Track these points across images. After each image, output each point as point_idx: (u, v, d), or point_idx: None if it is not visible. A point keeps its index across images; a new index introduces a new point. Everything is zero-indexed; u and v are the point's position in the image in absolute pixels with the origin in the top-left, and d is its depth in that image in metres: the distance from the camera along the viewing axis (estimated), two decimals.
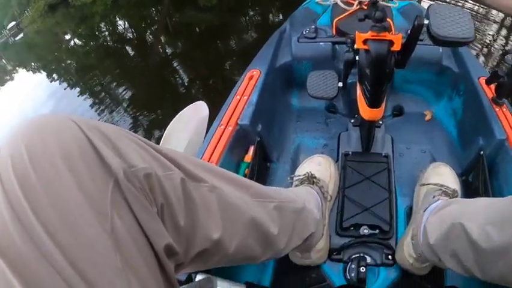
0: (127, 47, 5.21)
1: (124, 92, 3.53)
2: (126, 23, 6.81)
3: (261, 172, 1.10)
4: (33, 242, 0.30)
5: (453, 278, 0.85)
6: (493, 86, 1.01)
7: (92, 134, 0.36)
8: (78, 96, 3.88)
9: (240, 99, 1.09)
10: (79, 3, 9.64)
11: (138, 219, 0.36)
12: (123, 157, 0.37)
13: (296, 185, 0.94)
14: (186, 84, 3.51)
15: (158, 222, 0.39)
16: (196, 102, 1.19)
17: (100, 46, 5.84)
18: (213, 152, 0.97)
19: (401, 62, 0.83)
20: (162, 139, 1.16)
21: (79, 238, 0.31)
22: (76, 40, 6.96)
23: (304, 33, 1.13)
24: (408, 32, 0.78)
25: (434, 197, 0.85)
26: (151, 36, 5.32)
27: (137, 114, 3.05)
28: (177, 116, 1.14)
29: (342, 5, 1.22)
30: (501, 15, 3.06)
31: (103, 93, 3.75)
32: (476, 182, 0.98)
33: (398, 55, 0.81)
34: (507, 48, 2.60)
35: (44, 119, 0.36)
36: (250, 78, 1.16)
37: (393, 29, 1.00)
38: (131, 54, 4.87)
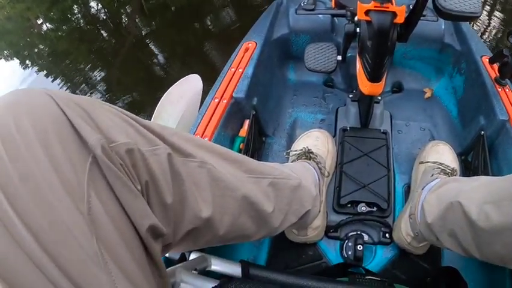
0: (101, 30, 5.12)
1: (100, 76, 3.50)
2: (99, 4, 6.69)
3: (257, 147, 1.11)
4: (4, 226, 0.29)
5: (450, 258, 0.89)
6: (496, 66, 1.03)
7: (69, 109, 0.34)
8: (53, 82, 3.80)
9: (235, 72, 1.09)
10: None
11: (119, 198, 0.35)
12: (103, 132, 0.35)
13: (293, 160, 0.95)
14: (163, 64, 3.52)
15: (142, 202, 0.38)
16: (189, 75, 1.18)
17: (73, 30, 5.72)
18: (206, 126, 0.97)
19: (404, 35, 0.84)
20: (154, 114, 1.15)
21: (52, 222, 0.30)
22: (48, 24, 6.78)
23: (302, 4, 1.13)
24: (412, 4, 0.78)
25: (432, 175, 0.87)
26: (125, 18, 5.24)
27: (115, 97, 3.04)
28: (169, 89, 1.13)
29: None
30: None
31: (79, 78, 3.70)
32: (475, 161, 1.01)
33: (401, 28, 0.82)
34: None
35: (17, 94, 0.34)
36: (246, 50, 1.16)
37: (394, 1, 1.02)
38: (106, 37, 4.80)
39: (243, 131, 1.06)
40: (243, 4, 4.19)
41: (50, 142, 0.32)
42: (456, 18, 0.77)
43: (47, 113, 0.33)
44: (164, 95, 1.13)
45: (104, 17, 5.77)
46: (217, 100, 1.03)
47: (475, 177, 0.72)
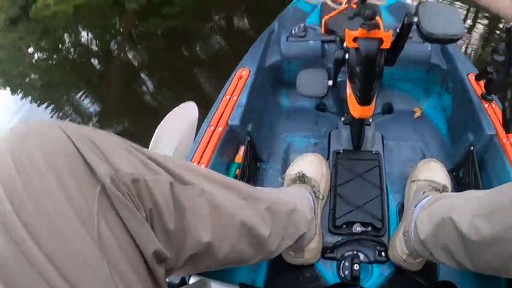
0: (91, 59, 5.21)
1: (92, 105, 3.54)
2: (89, 34, 6.81)
3: (252, 172, 1.14)
4: (22, 252, 0.32)
5: (446, 272, 0.91)
6: (482, 83, 1.08)
7: (79, 142, 0.38)
8: (44, 111, 3.84)
9: (229, 99, 1.14)
10: (40, 16, 9.57)
11: (126, 225, 0.38)
12: (110, 163, 0.38)
13: (288, 185, 0.98)
14: (154, 92, 3.57)
15: (147, 228, 0.41)
16: (185, 103, 1.23)
17: (64, 59, 5.81)
18: (203, 153, 1.01)
19: (391, 59, 0.89)
20: (151, 142, 1.19)
21: (66, 248, 0.33)
22: (39, 54, 6.89)
23: (293, 32, 1.18)
24: (398, 29, 0.83)
25: (424, 192, 0.91)
26: (115, 47, 5.34)
27: (107, 126, 3.07)
28: (166, 117, 1.18)
29: (331, 4, 1.30)
30: (491, 12, 3.26)
31: (70, 107, 3.73)
32: (466, 177, 1.05)
33: (388, 53, 0.87)
34: (496, 44, 2.74)
35: (29, 126, 0.38)
36: (240, 77, 1.21)
37: (382, 27, 1.08)
38: (97, 66, 4.87)
39: (239, 157, 1.10)
40: (231, 30, 4.31)
41: (62, 174, 0.35)
42: (440, 41, 0.81)
43: (58, 146, 0.37)
44: (161, 122, 1.17)
45: (95, 46, 5.88)
46: (212, 127, 1.07)
47: (465, 192, 0.75)
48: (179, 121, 1.16)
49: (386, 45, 0.83)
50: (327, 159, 1.13)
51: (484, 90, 1.07)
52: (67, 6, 8.97)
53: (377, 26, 0.83)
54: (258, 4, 4.72)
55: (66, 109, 3.71)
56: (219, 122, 1.09)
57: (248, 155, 1.11)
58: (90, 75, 4.58)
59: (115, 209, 0.38)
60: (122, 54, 4.91)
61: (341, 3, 1.27)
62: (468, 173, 1.04)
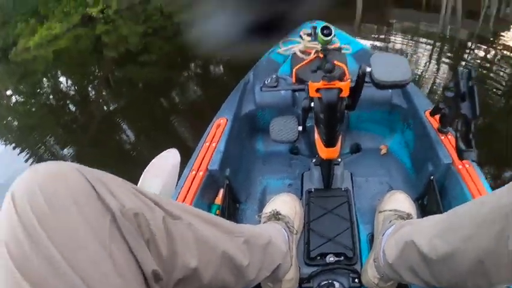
0: (69, 105, 5.26)
1: (69, 151, 3.54)
2: (68, 80, 6.91)
3: (231, 213, 1.23)
4: (51, 264, 0.41)
5: None
6: (438, 117, 1.20)
7: (94, 181, 0.48)
8: (19, 155, 3.83)
9: (209, 146, 1.25)
10: (19, 59, 9.69)
11: (131, 248, 0.48)
12: (117, 199, 0.49)
13: (264, 222, 1.08)
14: (131, 139, 3.60)
15: (147, 251, 0.50)
16: (168, 150, 1.33)
17: (43, 104, 5.86)
18: (186, 195, 1.10)
19: (351, 105, 1.01)
20: (138, 184, 1.28)
21: (87, 261, 0.43)
22: (17, 97, 6.93)
23: (266, 82, 1.30)
24: (354, 79, 0.96)
25: (390, 221, 1.01)
26: (93, 93, 5.42)
27: None
28: (151, 162, 1.27)
29: (301, 55, 1.44)
30: (443, 56, 3.58)
31: (47, 152, 3.72)
32: (430, 204, 1.16)
33: (348, 99, 0.99)
34: (447, 83, 3.00)
35: (55, 166, 0.48)
36: (218, 126, 1.33)
37: (347, 73, 1.20)
38: (75, 112, 4.91)
39: (218, 199, 1.19)
40: (207, 78, 4.46)
41: (81, 205, 0.46)
42: (391, 87, 0.93)
43: (78, 184, 0.47)
44: (147, 167, 1.26)
45: (73, 92, 5.96)
46: (194, 172, 1.17)
47: (425, 217, 0.84)
48: (163, 166, 1.26)
49: (345, 93, 0.96)
50: (301, 198, 1.23)
51: (440, 124, 1.19)
52: (47, 51, 9.16)
53: (336, 77, 0.95)
54: (236, 54, 4.95)
55: (41, 153, 3.71)
56: (199, 167, 1.19)
57: (227, 197, 1.20)
58: (67, 120, 4.62)
59: (122, 235, 0.48)
60: (100, 101, 5.00)
61: (309, 54, 1.41)
62: (431, 201, 1.15)
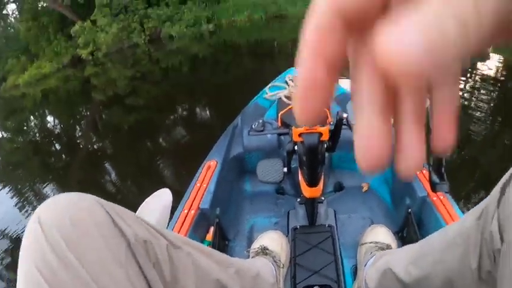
0: (56, 145, 5.29)
1: (52, 191, 3.57)
2: (56, 119, 6.98)
3: (221, 249, 1.30)
4: (81, 283, 0.48)
5: None
6: None
7: (111, 211, 0.56)
8: (0, 190, 3.84)
9: (200, 187, 1.34)
10: (8, 95, 9.77)
11: (142, 269, 0.56)
12: (131, 228, 0.57)
13: (252, 257, 1.15)
14: (117, 182, 3.65)
15: (154, 273, 0.58)
16: (160, 190, 1.41)
17: (29, 141, 5.89)
18: (179, 233, 1.17)
19: (331, 147, 1.12)
20: None
21: (110, 279, 0.51)
22: (4, 133, 6.95)
23: (253, 127, 1.36)
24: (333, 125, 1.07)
25: (371, 253, 1.09)
26: (80, 134, 5.48)
27: None
28: (144, 202, 1.34)
29: (286, 100, 1.55)
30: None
31: (30, 193, 3.72)
32: (409, 235, 1.23)
33: (328, 142, 1.10)
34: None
35: (77, 197, 0.56)
36: (208, 168, 1.42)
37: (329, 117, 1.29)
38: (60, 153, 4.94)
39: (209, 236, 1.27)
40: (193, 122, 4.59)
41: (102, 230, 0.54)
42: None
43: (99, 214, 0.56)
44: (140, 207, 1.33)
45: (60, 132, 6.01)
46: (186, 211, 1.26)
47: (402, 247, 0.93)
48: (156, 205, 1.32)
49: (325, 137, 1.07)
50: (287, 235, 1.31)
51: None
52: (35, 90, 9.29)
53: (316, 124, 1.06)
54: (219, 97, 5.15)
55: (25, 192, 3.73)
56: (191, 206, 1.27)
57: (217, 235, 1.28)
58: (53, 160, 4.64)
59: (136, 258, 0.56)
60: (87, 142, 5.05)
61: None
62: (409, 232, 1.23)
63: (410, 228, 1.23)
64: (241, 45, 9.55)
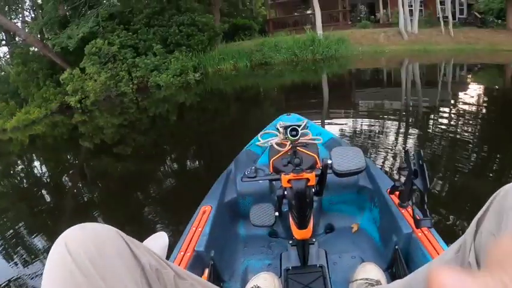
0: (42, 191, 5.23)
1: (39, 243, 3.42)
2: (43, 165, 6.94)
3: None
4: None
5: None
6: (397, 194, 1.33)
7: (128, 241, 0.64)
8: None
9: (195, 230, 1.40)
10: None
11: None
12: (146, 257, 0.65)
13: None
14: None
15: None
16: (157, 233, 1.47)
17: (15, 187, 5.82)
18: None
19: (319, 191, 1.20)
20: None
21: None
22: None
23: (246, 173, 1.41)
24: (320, 169, 1.15)
25: None
26: (67, 180, 5.45)
27: None
28: (143, 243, 1.39)
29: (277, 147, 1.63)
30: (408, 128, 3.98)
31: (15, 238, 3.65)
32: (397, 271, 1.30)
33: (316, 186, 1.18)
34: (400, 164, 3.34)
35: (99, 225, 0.64)
36: (203, 212, 1.50)
37: (318, 162, 1.39)
38: (47, 199, 4.88)
39: (204, 278, 1.31)
40: (180, 170, 4.64)
41: (122, 257, 0.62)
42: (349, 175, 1.08)
43: (119, 241, 0.63)
44: None
45: (47, 178, 5.96)
46: (182, 253, 1.31)
47: (391, 282, 0.98)
48: (153, 248, 1.37)
49: (312, 182, 1.16)
50: (280, 276, 1.36)
51: (399, 200, 1.31)
52: (23, 135, 9.25)
53: (304, 170, 1.16)
54: (206, 144, 5.26)
55: (10, 237, 3.64)
56: (187, 248, 1.33)
57: (212, 276, 1.33)
58: (39, 206, 4.57)
59: (149, 283, 0.64)
60: (73, 189, 5.03)
61: (285, 145, 1.62)
62: (398, 268, 1.29)
63: (398, 264, 1.29)
64: (227, 92, 9.81)
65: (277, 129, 1.92)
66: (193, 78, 11.61)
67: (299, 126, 1.45)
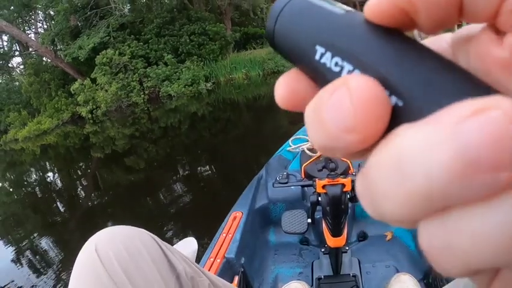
0: (55, 200, 5.29)
1: (50, 248, 3.52)
2: (55, 175, 7.03)
3: None
4: None
5: None
6: None
7: (162, 245, 0.63)
8: None
9: (225, 237, 1.41)
10: (8, 148, 9.86)
11: None
12: (181, 264, 0.63)
13: None
14: None
15: None
16: (186, 238, 1.47)
17: (28, 195, 5.89)
18: None
19: (354, 197, 1.17)
20: None
21: None
22: (3, 185, 6.96)
23: (277, 179, 1.41)
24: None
25: None
26: (80, 189, 5.51)
27: (63, 274, 2.97)
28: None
29: (308, 152, 1.64)
30: None
31: (27, 246, 3.68)
32: (434, 281, 1.28)
33: (351, 193, 1.16)
34: None
35: (131, 228, 0.63)
36: (234, 218, 1.50)
37: (351, 168, 1.37)
38: (60, 208, 4.93)
39: (234, 285, 1.31)
40: (191, 181, 4.66)
41: (156, 261, 0.60)
42: None
43: (152, 245, 0.62)
44: None
45: (59, 187, 6.03)
46: (212, 259, 1.32)
47: None
48: (183, 252, 1.38)
49: (348, 188, 1.14)
50: (311, 285, 1.35)
51: None
52: (34, 145, 9.40)
53: (339, 175, 1.15)
54: (218, 155, 5.29)
55: (23, 244, 3.69)
56: (217, 255, 1.33)
57: (242, 284, 1.32)
58: (52, 215, 4.63)
59: None
60: (86, 198, 5.06)
61: (317, 151, 1.58)
62: (435, 279, 1.27)
63: (435, 275, 1.27)
64: (239, 102, 9.85)
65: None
66: (204, 87, 11.66)
67: None
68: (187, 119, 8.77)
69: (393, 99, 0.12)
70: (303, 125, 2.12)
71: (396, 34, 0.14)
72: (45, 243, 3.69)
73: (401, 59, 0.13)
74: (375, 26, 0.14)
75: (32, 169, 7.75)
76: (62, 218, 4.55)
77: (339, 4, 0.16)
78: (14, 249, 3.68)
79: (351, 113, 0.12)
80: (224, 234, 1.42)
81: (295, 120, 2.25)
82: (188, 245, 1.43)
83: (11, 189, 6.64)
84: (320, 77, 0.15)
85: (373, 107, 0.12)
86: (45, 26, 16.32)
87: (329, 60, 0.14)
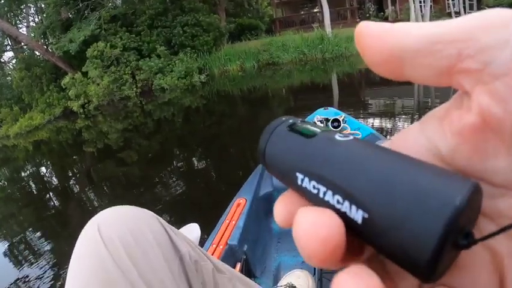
0: (49, 195, 5.28)
1: (46, 246, 3.51)
2: (48, 170, 7.01)
3: None
4: (128, 280, 0.50)
5: None
6: None
7: (167, 227, 0.62)
8: None
9: (229, 223, 1.41)
10: (0, 145, 9.81)
11: (190, 284, 0.61)
12: (185, 247, 0.62)
13: None
14: None
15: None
16: (189, 224, 1.48)
17: (22, 190, 5.88)
18: None
19: None
20: None
21: (159, 281, 0.53)
22: None
23: None
24: None
25: None
26: (75, 185, 5.50)
27: (60, 270, 2.97)
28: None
29: None
30: None
31: (22, 242, 3.66)
32: None
33: None
34: None
35: (135, 209, 0.62)
36: (238, 205, 1.51)
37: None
38: (54, 204, 4.93)
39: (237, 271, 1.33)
40: (186, 174, 4.66)
41: (160, 243, 0.60)
42: None
43: (157, 227, 0.62)
44: None
45: (53, 183, 6.02)
46: (214, 246, 1.33)
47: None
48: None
49: None
50: (314, 274, 1.36)
51: None
52: (26, 141, 9.36)
53: None
54: (213, 148, 5.29)
55: (19, 247, 3.65)
56: (220, 241, 1.34)
57: (244, 271, 1.34)
58: (46, 211, 4.62)
59: (187, 274, 0.61)
60: (80, 193, 5.07)
61: None
62: None
63: None
64: (234, 94, 9.83)
65: (315, 123, 1.92)
66: (198, 80, 11.62)
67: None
68: (180, 112, 8.75)
69: (360, 212, 0.15)
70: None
71: (365, 152, 0.17)
72: (38, 237, 3.70)
73: (363, 178, 0.16)
74: (343, 146, 0.17)
75: (25, 165, 7.70)
76: (56, 212, 4.54)
77: (314, 127, 0.20)
78: (8, 244, 3.69)
79: (311, 245, 0.16)
80: (227, 221, 1.43)
81: (290, 112, 2.26)
82: (190, 231, 1.44)
83: (5, 185, 6.62)
84: (307, 198, 0.18)
85: (327, 243, 0.16)
86: (36, 20, 16.21)
87: (308, 184, 0.18)
